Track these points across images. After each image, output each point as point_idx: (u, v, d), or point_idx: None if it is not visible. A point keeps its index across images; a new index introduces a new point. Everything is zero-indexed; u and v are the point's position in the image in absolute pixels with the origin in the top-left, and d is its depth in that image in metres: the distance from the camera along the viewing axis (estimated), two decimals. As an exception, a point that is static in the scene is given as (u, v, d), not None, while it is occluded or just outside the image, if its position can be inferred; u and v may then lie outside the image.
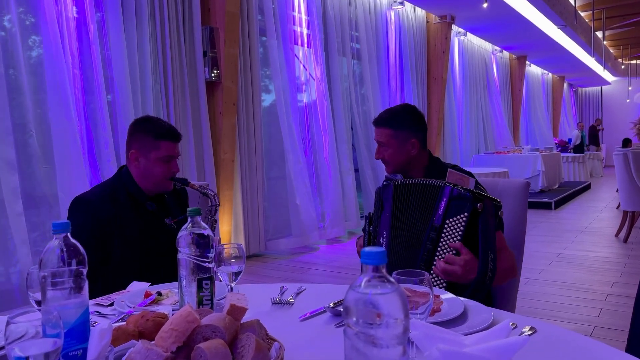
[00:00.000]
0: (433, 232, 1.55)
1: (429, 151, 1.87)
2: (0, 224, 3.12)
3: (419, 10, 8.08)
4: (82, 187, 3.38)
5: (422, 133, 1.83)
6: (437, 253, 1.54)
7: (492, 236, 1.48)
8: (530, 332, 1.05)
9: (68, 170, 3.43)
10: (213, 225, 1.85)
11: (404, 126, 1.79)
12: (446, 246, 1.53)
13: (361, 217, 6.35)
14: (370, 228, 1.73)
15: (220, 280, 1.23)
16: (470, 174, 1.73)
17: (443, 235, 1.54)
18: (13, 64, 3.26)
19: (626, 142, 12.84)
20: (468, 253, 1.48)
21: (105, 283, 1.64)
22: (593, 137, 15.35)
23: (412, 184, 1.64)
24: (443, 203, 1.54)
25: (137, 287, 1.44)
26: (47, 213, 3.44)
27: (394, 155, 1.79)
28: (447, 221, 1.53)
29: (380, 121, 1.82)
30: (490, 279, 1.46)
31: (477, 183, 1.64)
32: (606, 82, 19.38)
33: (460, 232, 1.51)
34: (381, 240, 1.65)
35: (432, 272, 1.53)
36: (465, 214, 1.50)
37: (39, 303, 1.01)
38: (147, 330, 0.96)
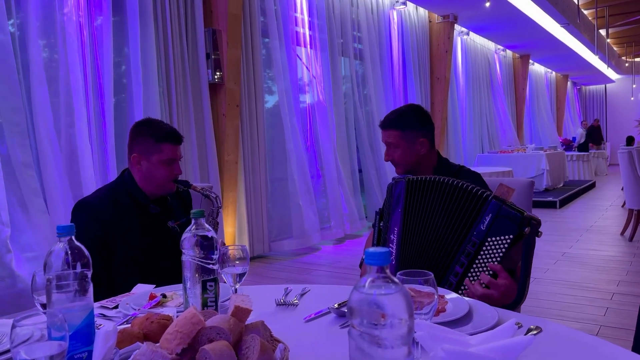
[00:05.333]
0: (471, 247, 1.44)
1: (438, 151, 1.87)
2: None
3: (421, 10, 8.07)
4: (88, 190, 3.40)
5: (430, 132, 1.83)
6: (472, 270, 1.44)
7: (531, 260, 1.40)
8: (535, 332, 1.04)
9: (76, 173, 3.45)
10: (215, 227, 1.83)
11: (412, 126, 1.77)
12: (484, 265, 1.43)
13: (364, 217, 6.35)
14: (381, 224, 1.66)
15: (225, 282, 1.23)
16: (478, 175, 1.71)
17: (482, 253, 1.43)
18: (23, 68, 3.26)
19: (630, 140, 12.80)
20: (507, 277, 1.39)
21: (108, 286, 1.65)
22: (592, 135, 15.28)
23: (431, 181, 1.53)
24: (488, 218, 1.42)
25: (142, 290, 1.44)
26: (46, 216, 3.45)
27: (403, 155, 1.78)
28: (489, 239, 1.42)
29: (388, 123, 1.80)
30: (521, 302, 1.41)
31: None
32: (610, 80, 19.32)
33: (500, 254, 1.42)
34: (392, 236, 1.58)
35: (462, 289, 1.45)
36: (510, 236, 1.40)
37: (44, 306, 1.02)
38: (152, 332, 0.96)
